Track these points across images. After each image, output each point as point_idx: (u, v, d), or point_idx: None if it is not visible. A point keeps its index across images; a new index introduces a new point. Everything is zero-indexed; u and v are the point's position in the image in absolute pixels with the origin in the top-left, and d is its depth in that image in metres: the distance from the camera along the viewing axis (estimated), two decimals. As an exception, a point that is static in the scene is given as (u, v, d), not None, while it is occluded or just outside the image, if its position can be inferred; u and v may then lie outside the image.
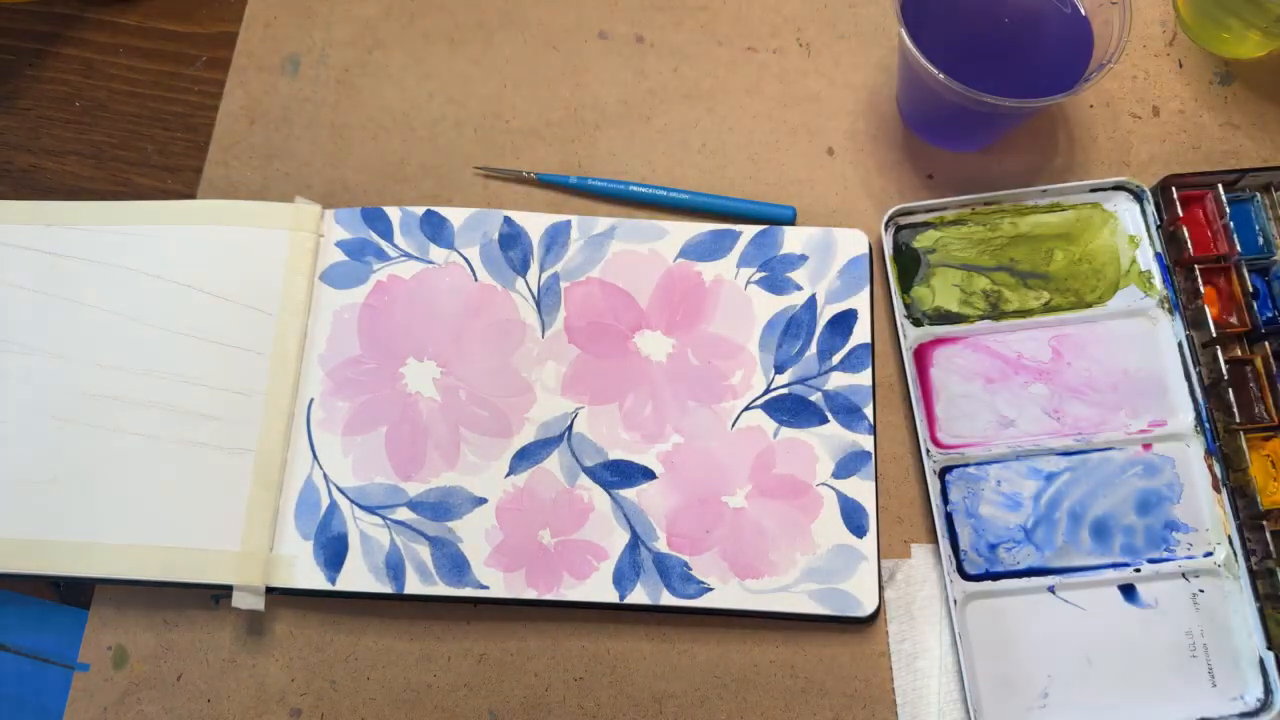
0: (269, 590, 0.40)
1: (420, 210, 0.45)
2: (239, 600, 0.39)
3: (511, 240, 0.44)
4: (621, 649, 0.40)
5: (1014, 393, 0.42)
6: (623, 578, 0.40)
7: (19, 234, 0.45)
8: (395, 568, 0.40)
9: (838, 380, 0.42)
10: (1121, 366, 0.43)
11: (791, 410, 0.42)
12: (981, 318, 0.43)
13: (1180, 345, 0.43)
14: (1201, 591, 0.40)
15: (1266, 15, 0.44)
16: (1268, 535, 0.39)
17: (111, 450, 0.41)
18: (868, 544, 0.40)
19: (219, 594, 0.41)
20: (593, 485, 0.41)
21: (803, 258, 0.44)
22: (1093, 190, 0.45)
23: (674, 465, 0.41)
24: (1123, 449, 0.41)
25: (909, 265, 0.44)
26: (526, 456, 0.41)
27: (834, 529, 0.40)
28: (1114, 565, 0.40)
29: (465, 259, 0.44)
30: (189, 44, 0.50)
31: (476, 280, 0.44)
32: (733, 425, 0.42)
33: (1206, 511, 0.41)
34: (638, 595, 0.39)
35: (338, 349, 0.43)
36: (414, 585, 0.39)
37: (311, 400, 0.42)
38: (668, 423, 0.42)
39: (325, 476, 0.41)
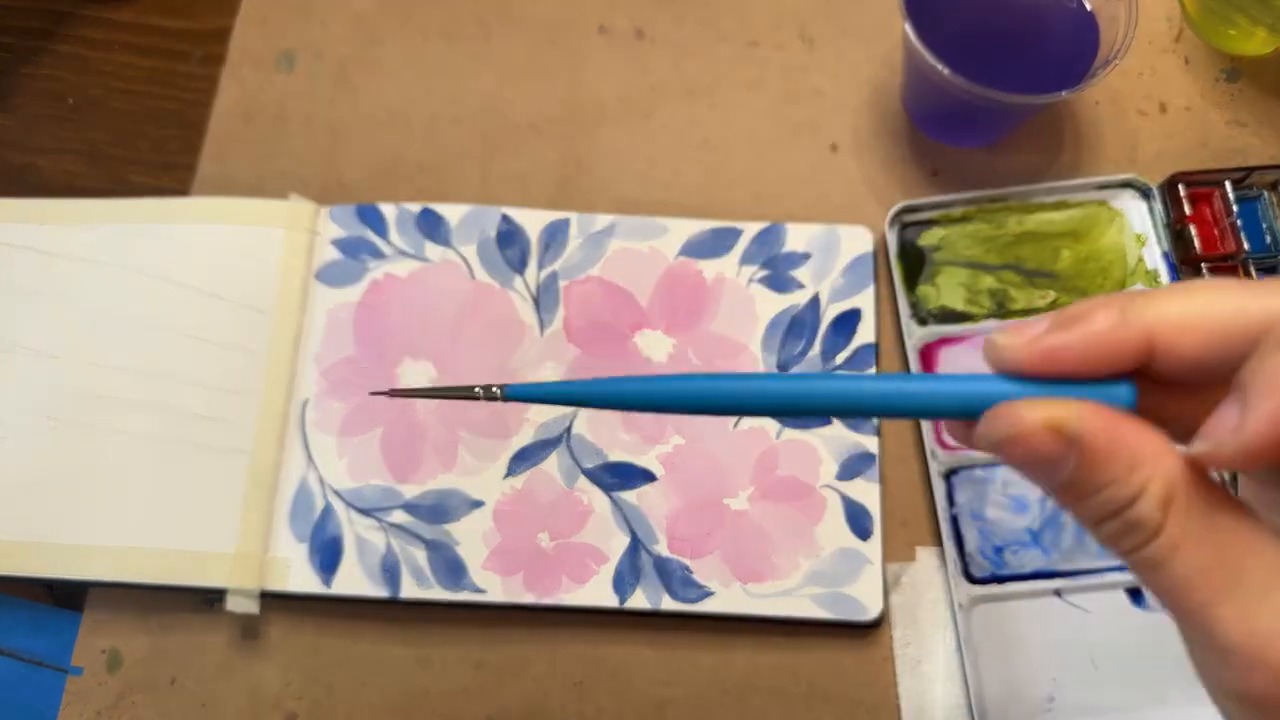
0: (263, 593, 0.39)
1: (416, 208, 0.44)
2: (233, 604, 0.39)
3: (509, 238, 0.44)
4: (621, 654, 0.40)
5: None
6: (623, 581, 0.39)
7: (12, 232, 0.44)
8: (391, 571, 0.39)
9: (841, 380, 0.42)
10: (1128, 366, 0.42)
11: (794, 411, 0.41)
12: (987, 316, 0.43)
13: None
14: (1209, 594, 0.39)
15: (1273, 12, 0.44)
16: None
17: (104, 451, 0.41)
18: (872, 547, 0.40)
19: (213, 597, 0.41)
20: (592, 487, 0.41)
21: (806, 256, 0.44)
22: (1100, 188, 0.44)
23: (674, 467, 0.41)
24: (1130, 450, 0.41)
25: (914, 263, 0.44)
26: (525, 458, 0.41)
27: (838, 532, 0.40)
28: (1121, 568, 0.39)
29: (462, 257, 0.44)
30: (184, 40, 0.50)
31: (474, 278, 0.43)
32: (734, 426, 0.41)
33: (1214, 513, 0.40)
34: (638, 599, 0.39)
35: (333, 349, 0.42)
36: (410, 589, 0.39)
37: (306, 401, 0.42)
38: (668, 424, 0.41)
39: (320, 478, 0.41)
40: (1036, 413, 0.19)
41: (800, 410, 0.22)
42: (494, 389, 0.24)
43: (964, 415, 0.21)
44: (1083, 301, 0.21)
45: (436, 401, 0.42)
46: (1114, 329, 0.20)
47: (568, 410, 0.42)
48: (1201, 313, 0.19)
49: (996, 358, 0.21)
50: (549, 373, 0.42)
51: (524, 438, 0.41)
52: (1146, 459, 0.19)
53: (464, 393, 0.24)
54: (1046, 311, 0.43)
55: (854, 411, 0.22)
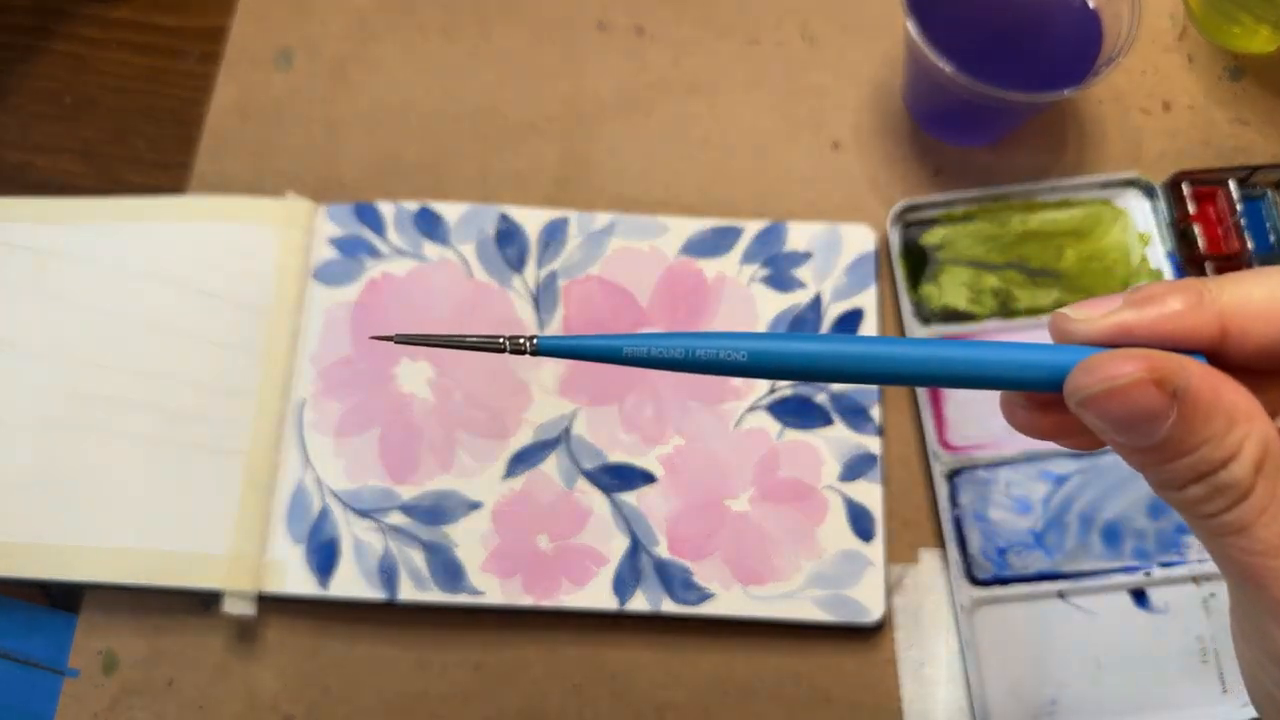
0: (260, 596, 0.39)
1: (415, 206, 0.44)
2: (230, 606, 0.38)
3: (508, 237, 0.44)
4: (621, 657, 0.39)
5: (1024, 393, 0.42)
6: (623, 584, 0.39)
7: (8, 231, 0.44)
8: (389, 573, 0.39)
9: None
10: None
11: (796, 411, 0.41)
12: (990, 316, 0.43)
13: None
14: (1213, 596, 0.39)
15: (1277, 10, 0.44)
16: None
17: (100, 451, 0.40)
18: (874, 549, 0.39)
19: (210, 599, 0.40)
20: (591, 489, 0.40)
21: (807, 255, 0.43)
22: (1103, 186, 0.44)
23: (675, 468, 0.40)
24: (1134, 451, 0.41)
25: (916, 263, 0.44)
26: (524, 459, 0.41)
27: (840, 534, 0.39)
28: (1125, 570, 0.39)
29: (460, 256, 0.43)
30: (181, 38, 0.49)
31: (472, 278, 0.43)
32: (735, 426, 0.41)
33: (1218, 514, 0.40)
34: (638, 602, 0.39)
35: (330, 348, 0.42)
36: (408, 591, 0.39)
37: (304, 401, 0.41)
38: (668, 424, 0.41)
39: (318, 479, 0.40)
40: (1138, 364, 0.18)
41: (840, 376, 0.21)
42: (521, 340, 0.21)
43: (1043, 383, 0.20)
44: (1157, 283, 0.20)
45: (434, 402, 0.41)
46: (1189, 311, 0.19)
47: (566, 411, 0.41)
48: (1276, 298, 0.19)
49: (1065, 330, 0.21)
50: (548, 373, 0.42)
51: (522, 438, 0.41)
52: (1242, 418, 0.18)
53: (486, 343, 0.21)
54: (1051, 311, 0.43)
55: (914, 379, 0.21)
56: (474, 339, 0.21)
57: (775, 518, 0.40)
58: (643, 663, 0.39)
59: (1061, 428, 0.22)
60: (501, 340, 0.21)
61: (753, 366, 0.21)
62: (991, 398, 0.42)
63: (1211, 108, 0.47)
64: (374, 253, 0.43)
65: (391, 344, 0.42)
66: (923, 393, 0.41)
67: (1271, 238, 0.43)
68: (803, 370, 0.21)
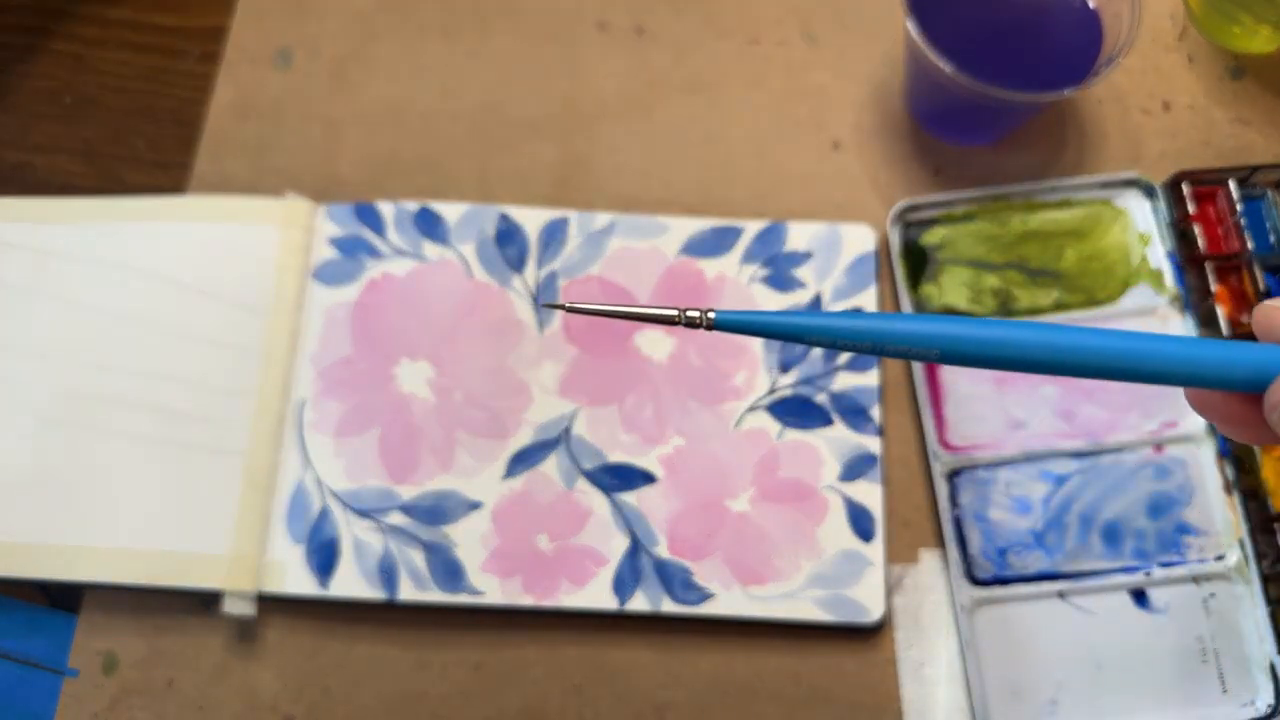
0: (260, 596, 0.39)
1: (414, 206, 0.44)
2: (230, 606, 0.38)
3: (508, 237, 0.44)
4: (621, 657, 0.39)
5: (1025, 394, 0.41)
6: (623, 584, 0.39)
7: (7, 231, 0.44)
8: (388, 573, 0.39)
9: (844, 381, 0.41)
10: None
11: (796, 411, 0.41)
12: (990, 316, 0.43)
13: (1192, 344, 0.42)
14: (1212, 596, 0.39)
15: (1277, 10, 0.44)
16: (1279, 539, 0.38)
17: (99, 452, 0.41)
18: (874, 549, 0.39)
19: (210, 599, 0.40)
20: (591, 489, 0.40)
21: (807, 255, 0.43)
22: (1103, 186, 0.44)
23: (675, 468, 0.40)
24: (1134, 451, 0.41)
25: (917, 263, 0.44)
26: (524, 459, 0.41)
27: (840, 534, 0.39)
28: (1125, 570, 0.39)
29: (461, 256, 0.43)
30: (180, 38, 0.49)
31: (472, 278, 0.43)
32: (735, 427, 0.41)
33: (1218, 515, 0.40)
34: (638, 602, 0.39)
35: (330, 349, 0.42)
36: (408, 591, 0.39)
37: (304, 401, 0.41)
38: (668, 424, 0.41)
39: (318, 479, 0.40)
40: None
41: (1042, 367, 0.20)
42: (693, 314, 0.21)
43: (1241, 384, 0.19)
44: None
45: (434, 402, 0.41)
46: None
47: (566, 411, 0.41)
48: None
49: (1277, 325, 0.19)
50: (548, 373, 0.42)
51: (522, 439, 0.41)
52: None
53: (659, 315, 0.21)
54: (1050, 311, 0.43)
55: (1120, 374, 0.20)
56: (646, 310, 0.21)
57: (775, 518, 0.40)
58: (643, 663, 0.39)
59: (1252, 419, 0.21)
60: (676, 313, 0.21)
61: (944, 359, 0.21)
62: (990, 398, 0.42)
63: (1211, 108, 0.47)
64: (374, 253, 0.43)
65: (390, 344, 0.42)
66: (923, 392, 0.41)
67: (1271, 238, 0.43)
68: (997, 362, 0.21)
